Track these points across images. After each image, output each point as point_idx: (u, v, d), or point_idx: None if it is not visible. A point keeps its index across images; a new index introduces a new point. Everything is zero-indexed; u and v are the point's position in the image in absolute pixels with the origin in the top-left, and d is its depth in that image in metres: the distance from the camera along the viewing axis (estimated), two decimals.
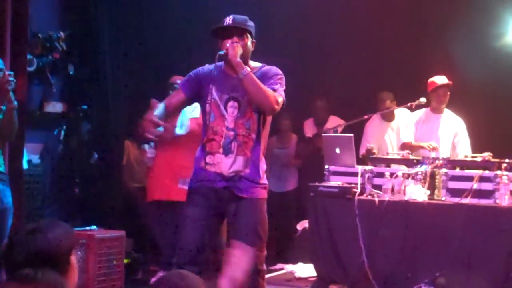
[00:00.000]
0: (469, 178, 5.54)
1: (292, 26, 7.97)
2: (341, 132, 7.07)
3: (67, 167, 7.38)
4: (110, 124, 7.64)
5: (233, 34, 4.32)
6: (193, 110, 6.17)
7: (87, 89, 7.58)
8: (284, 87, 4.39)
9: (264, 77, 4.34)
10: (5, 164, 4.63)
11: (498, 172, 5.46)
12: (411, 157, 6.09)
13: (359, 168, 5.93)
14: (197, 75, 4.47)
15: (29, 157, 6.84)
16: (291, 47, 8.10)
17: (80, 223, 6.34)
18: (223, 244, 6.71)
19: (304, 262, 6.66)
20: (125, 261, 6.13)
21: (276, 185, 7.91)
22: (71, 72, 7.42)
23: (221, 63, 4.42)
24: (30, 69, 6.71)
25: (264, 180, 4.43)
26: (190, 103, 4.62)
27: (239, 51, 4.27)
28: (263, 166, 4.44)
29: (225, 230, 5.27)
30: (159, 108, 4.47)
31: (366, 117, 6.97)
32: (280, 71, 4.43)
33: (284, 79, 4.42)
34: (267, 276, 4.53)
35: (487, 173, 5.52)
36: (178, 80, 6.32)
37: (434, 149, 6.36)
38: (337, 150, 6.11)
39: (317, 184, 5.97)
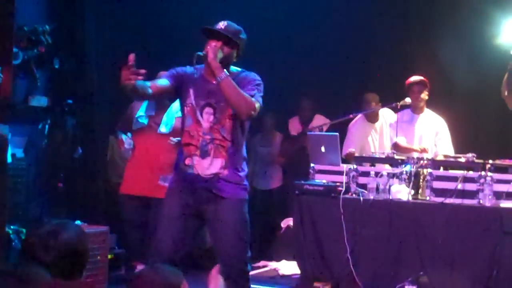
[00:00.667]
0: (454, 179, 5.57)
1: (279, 25, 7.99)
2: (326, 131, 7.10)
3: (51, 161, 7.34)
4: (95, 119, 7.61)
5: (221, 39, 4.30)
6: (179, 110, 6.16)
7: (72, 83, 7.54)
8: (262, 93, 4.40)
9: (243, 82, 4.34)
10: None
11: (482, 172, 5.50)
12: (395, 156, 6.11)
13: (344, 167, 5.95)
14: (182, 74, 4.46)
15: (13, 151, 6.80)
16: (278, 46, 8.12)
17: (63, 218, 6.31)
18: (207, 241, 6.73)
19: (288, 259, 6.67)
20: (109, 256, 6.12)
21: (260, 183, 7.94)
22: (56, 66, 7.36)
23: (202, 66, 4.41)
24: (15, 62, 6.65)
25: (244, 181, 4.43)
26: (170, 94, 4.53)
27: (219, 55, 4.26)
28: (243, 168, 4.44)
29: None
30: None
31: (351, 116, 6.99)
32: (258, 77, 4.44)
33: (262, 85, 4.43)
34: (250, 273, 4.52)
35: (471, 173, 5.55)
36: None
37: (424, 151, 6.39)
38: (323, 149, 6.12)
39: (302, 182, 5.98)
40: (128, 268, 6.59)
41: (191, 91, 4.38)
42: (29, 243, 2.65)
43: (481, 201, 5.44)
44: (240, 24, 4.42)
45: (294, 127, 8.19)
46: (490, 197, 5.41)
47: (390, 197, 5.64)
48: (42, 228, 2.66)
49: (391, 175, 5.74)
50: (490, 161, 5.62)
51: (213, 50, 4.25)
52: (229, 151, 4.34)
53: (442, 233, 5.41)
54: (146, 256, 6.17)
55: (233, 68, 4.44)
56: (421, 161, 5.78)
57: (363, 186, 5.80)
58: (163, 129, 6.28)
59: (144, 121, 6.36)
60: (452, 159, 5.94)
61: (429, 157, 5.93)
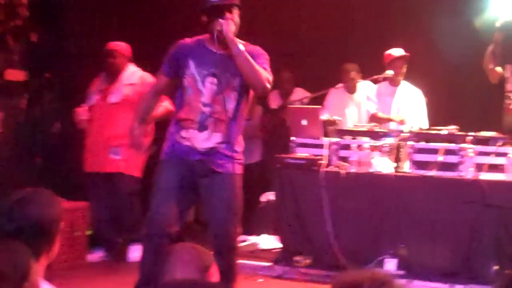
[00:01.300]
0: (435, 151, 5.57)
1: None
2: (307, 104, 7.05)
3: (29, 136, 7.25)
4: (74, 93, 7.50)
5: (224, 10, 4.24)
6: (129, 76, 6.08)
7: (50, 57, 7.43)
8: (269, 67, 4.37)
9: (253, 56, 4.28)
10: None
11: (463, 145, 5.49)
12: (377, 129, 6.10)
13: (326, 140, 5.92)
14: (177, 51, 4.40)
15: None
16: (256, 19, 8.03)
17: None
18: (189, 216, 6.68)
19: (268, 233, 6.66)
20: (88, 232, 6.07)
21: None
22: (34, 40, 7.26)
23: (203, 37, 4.35)
24: None
25: (240, 156, 4.39)
26: (174, 81, 4.47)
27: (232, 27, 4.22)
28: (240, 142, 4.40)
29: None
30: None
31: (332, 89, 6.95)
32: (264, 51, 4.40)
33: (269, 59, 4.40)
34: None
35: (452, 146, 5.55)
36: (118, 46, 6.16)
37: (401, 122, 6.38)
38: (304, 122, 6.09)
39: (283, 156, 5.96)
40: (107, 243, 6.49)
41: (191, 62, 4.30)
42: None
43: (462, 174, 5.44)
44: None
45: (274, 100, 8.12)
46: (471, 169, 5.41)
47: (372, 170, 5.63)
48: (11, 196, 2.59)
49: (373, 148, 5.73)
50: (471, 133, 5.61)
51: (227, 24, 4.19)
52: (228, 125, 4.29)
53: (423, 205, 5.43)
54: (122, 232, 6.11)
55: (237, 40, 4.34)
56: (402, 134, 5.77)
57: (345, 159, 5.78)
58: (113, 99, 6.09)
59: (96, 96, 6.19)
60: (433, 132, 5.93)
61: (410, 129, 5.91)
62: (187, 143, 4.29)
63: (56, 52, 7.49)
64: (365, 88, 7.15)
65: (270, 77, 4.29)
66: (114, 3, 7.79)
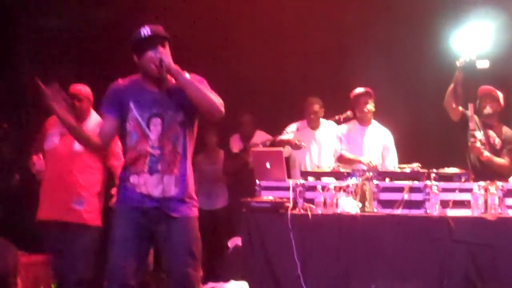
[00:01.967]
0: (400, 189, 5.58)
1: (216, 38, 7.93)
2: (269, 147, 7.05)
3: None
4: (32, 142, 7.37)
5: (156, 43, 4.16)
6: (94, 123, 5.90)
7: (6, 108, 7.31)
8: None
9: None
10: None
11: (428, 182, 5.53)
12: (341, 169, 6.12)
13: (291, 182, 5.90)
14: (115, 93, 4.29)
15: None
16: (215, 60, 8.05)
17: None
18: (150, 265, 6.55)
19: (236, 279, 6.57)
20: (52, 286, 5.93)
21: (206, 203, 7.81)
22: None
23: (136, 76, 4.28)
24: None
25: (194, 198, 4.33)
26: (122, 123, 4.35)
27: (170, 57, 4.18)
28: (192, 183, 4.33)
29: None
30: None
31: (295, 123, 6.98)
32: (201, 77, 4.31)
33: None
34: None
35: (416, 183, 5.58)
36: (82, 89, 6.02)
37: (369, 164, 6.39)
38: (267, 165, 6.07)
39: (249, 199, 5.91)
40: None
41: (132, 105, 4.22)
42: None
43: (428, 211, 5.47)
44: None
45: (236, 144, 8.12)
46: (436, 206, 5.45)
47: (338, 211, 5.62)
48: None
49: (338, 189, 5.72)
50: (435, 170, 5.66)
51: (166, 54, 4.14)
52: (180, 165, 4.22)
53: (391, 244, 5.42)
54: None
55: None
56: (367, 173, 5.78)
57: (311, 201, 5.76)
58: (77, 146, 5.75)
59: (56, 139, 5.98)
60: (397, 170, 5.97)
61: (374, 169, 5.94)
62: (139, 190, 4.20)
63: (13, 102, 7.37)
64: (330, 127, 7.17)
65: (221, 100, 4.22)
66: (72, 45, 7.72)
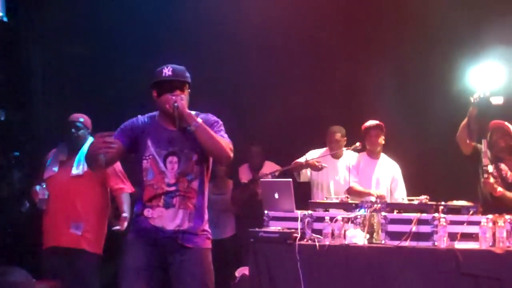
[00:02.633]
0: (408, 221, 5.58)
1: (226, 70, 8.00)
2: (278, 178, 7.07)
3: None
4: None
5: (175, 86, 4.26)
6: None
7: (18, 135, 7.38)
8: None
9: (207, 126, 4.28)
10: None
11: (436, 214, 5.53)
12: (350, 201, 6.13)
13: (299, 213, 5.91)
14: (133, 127, 4.37)
15: None
16: (224, 92, 8.12)
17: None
18: None
19: None
20: None
21: (213, 232, 7.71)
22: (2, 118, 7.22)
23: (155, 113, 4.36)
24: None
25: (207, 230, 4.38)
26: (128, 154, 4.43)
27: (185, 102, 4.24)
28: (206, 217, 4.39)
29: None
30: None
31: (318, 149, 7.00)
32: (217, 118, 4.41)
33: (222, 123, 4.41)
34: None
35: (425, 215, 5.58)
36: (81, 118, 6.14)
37: (380, 197, 6.39)
38: (276, 195, 6.09)
39: (257, 229, 5.92)
40: None
41: (149, 142, 4.29)
42: None
43: (436, 243, 5.46)
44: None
45: (245, 174, 8.15)
46: (444, 238, 5.44)
47: (346, 242, 5.62)
48: None
49: (346, 220, 5.73)
50: (443, 203, 5.67)
51: (181, 98, 4.21)
52: (195, 201, 4.28)
53: (399, 276, 5.39)
54: None
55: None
56: (375, 205, 5.79)
57: (319, 232, 5.76)
58: (75, 170, 5.97)
59: (55, 167, 6.11)
60: (405, 202, 5.98)
61: (383, 199, 5.96)
62: (153, 222, 4.26)
63: (24, 130, 7.45)
64: (350, 157, 7.15)
65: (231, 144, 4.30)
66: (84, 80, 7.81)
